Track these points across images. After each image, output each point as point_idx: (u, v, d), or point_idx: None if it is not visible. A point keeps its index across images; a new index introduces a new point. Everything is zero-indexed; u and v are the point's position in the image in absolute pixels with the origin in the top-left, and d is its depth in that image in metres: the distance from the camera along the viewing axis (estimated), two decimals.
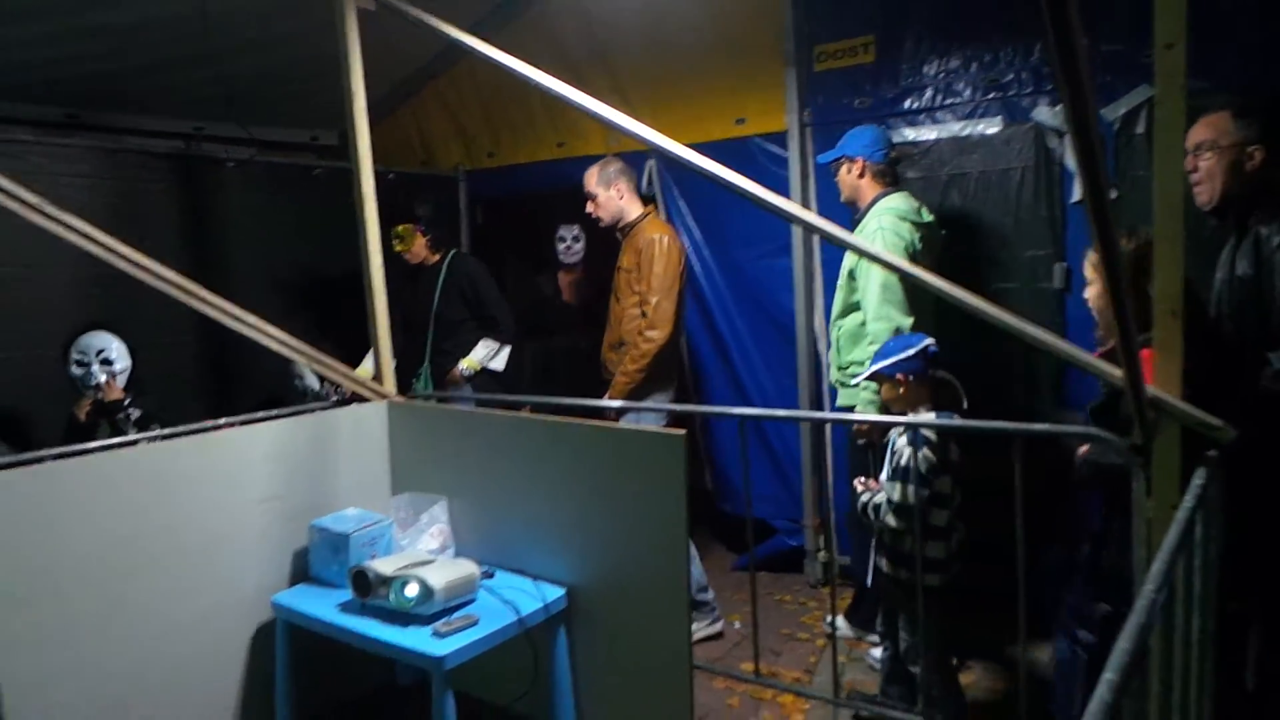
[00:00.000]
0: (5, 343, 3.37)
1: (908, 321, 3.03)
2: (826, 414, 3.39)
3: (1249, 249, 2.25)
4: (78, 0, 3.24)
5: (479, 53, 2.53)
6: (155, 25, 3.52)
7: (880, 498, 2.65)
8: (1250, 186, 2.27)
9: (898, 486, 2.59)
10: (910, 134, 3.61)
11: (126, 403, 3.15)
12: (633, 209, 3.74)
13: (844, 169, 3.30)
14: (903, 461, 2.59)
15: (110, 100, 4.10)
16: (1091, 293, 2.42)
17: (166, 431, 2.71)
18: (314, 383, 3.86)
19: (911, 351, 2.67)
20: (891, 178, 3.32)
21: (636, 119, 2.33)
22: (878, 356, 2.78)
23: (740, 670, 3.01)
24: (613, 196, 3.74)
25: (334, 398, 3.14)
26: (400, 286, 4.07)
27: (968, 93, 3.48)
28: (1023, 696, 2.29)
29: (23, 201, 2.34)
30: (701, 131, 3.98)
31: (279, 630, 2.71)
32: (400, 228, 4.04)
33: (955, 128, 3.52)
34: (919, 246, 3.12)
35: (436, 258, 4.16)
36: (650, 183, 4.28)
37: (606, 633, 2.67)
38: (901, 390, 2.69)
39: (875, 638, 3.29)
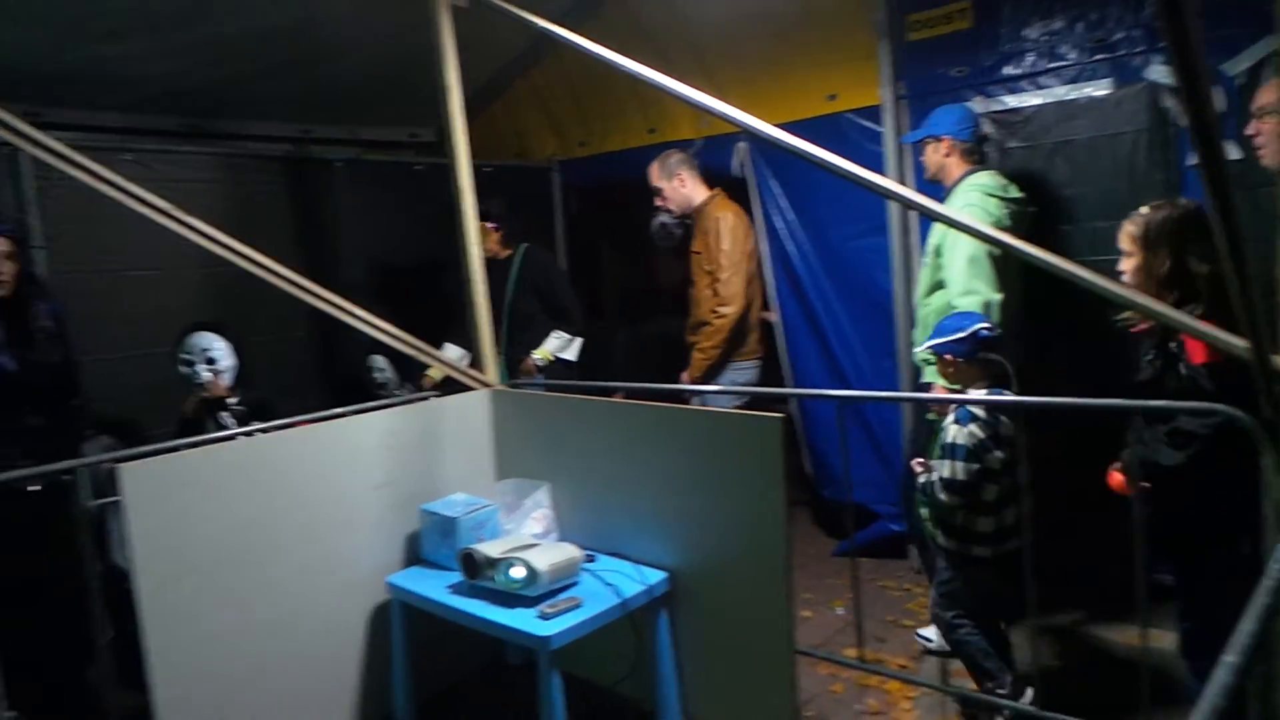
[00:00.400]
0: (140, 339, 3.61)
1: (997, 297, 2.94)
2: (926, 394, 3.28)
3: None
4: (191, 14, 3.43)
5: (568, 42, 2.57)
6: (263, 34, 3.70)
7: (934, 475, 2.67)
8: None
9: (946, 464, 2.61)
10: (1011, 101, 3.47)
11: (231, 400, 3.26)
12: (697, 194, 3.85)
13: (930, 148, 3.27)
14: (948, 439, 2.62)
15: (226, 108, 4.34)
16: (1128, 265, 2.33)
17: (289, 421, 2.86)
18: (389, 376, 3.97)
19: (962, 334, 2.66)
20: (979, 156, 3.26)
21: (725, 101, 2.33)
22: (935, 333, 2.76)
23: (844, 656, 2.98)
24: (676, 187, 3.93)
25: (406, 390, 3.24)
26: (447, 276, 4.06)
27: (1073, 55, 3.31)
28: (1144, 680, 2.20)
29: (153, 207, 2.51)
30: (792, 110, 3.92)
31: (394, 609, 2.84)
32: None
33: (1060, 92, 3.36)
34: (1007, 223, 3.02)
35: (508, 252, 4.19)
36: (741, 165, 4.25)
37: (708, 616, 2.69)
38: (950, 370, 2.71)
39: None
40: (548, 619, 2.44)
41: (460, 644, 2.88)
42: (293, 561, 2.67)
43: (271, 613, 2.62)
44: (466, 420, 3.19)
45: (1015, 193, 3.15)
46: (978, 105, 3.50)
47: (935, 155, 3.25)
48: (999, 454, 2.61)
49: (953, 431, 2.62)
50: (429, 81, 3.04)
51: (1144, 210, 2.35)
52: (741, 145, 4.21)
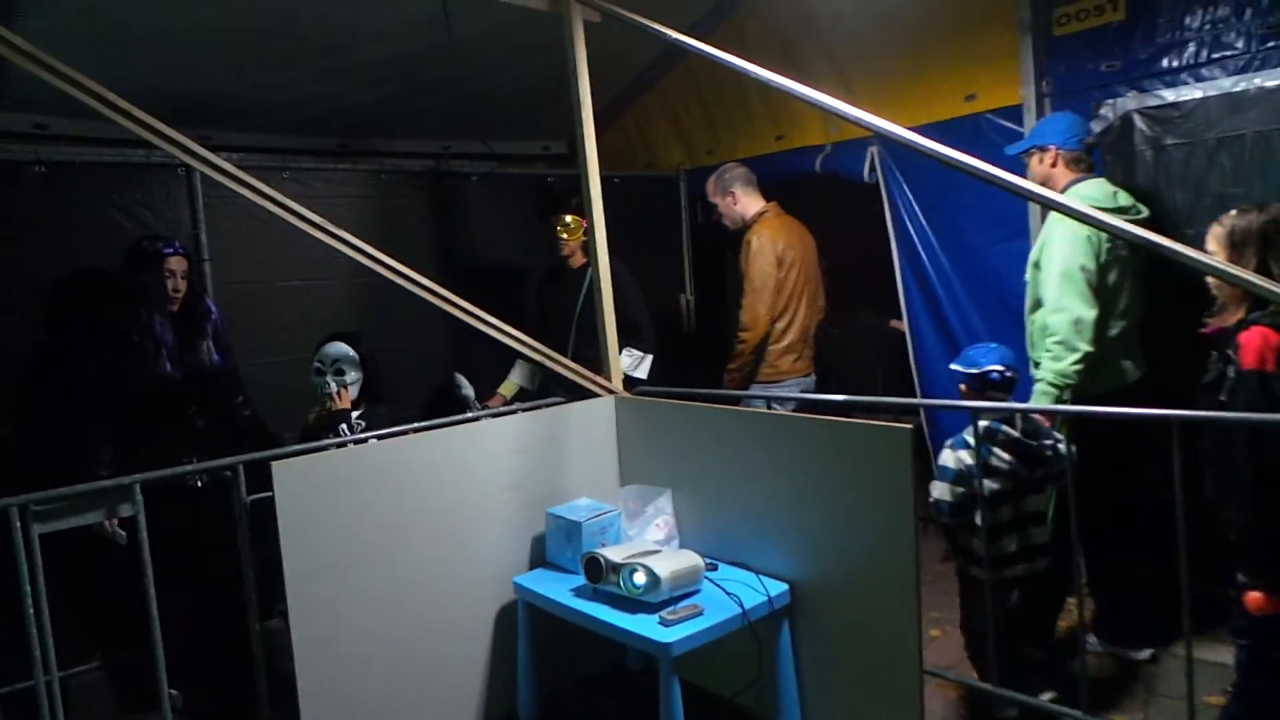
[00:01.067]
0: (290, 346, 3.86)
1: (1090, 314, 2.85)
2: (1064, 407, 3.05)
3: None
4: (346, 42, 3.66)
5: (699, 52, 2.58)
6: (409, 56, 3.91)
7: (930, 495, 2.83)
8: None
9: (935, 484, 2.82)
10: (1169, 95, 3.24)
11: (356, 414, 3.31)
12: (750, 209, 3.95)
13: (1035, 159, 3.13)
14: (940, 460, 2.85)
15: (374, 128, 4.60)
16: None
17: (423, 425, 2.98)
18: (470, 392, 3.88)
19: (975, 371, 2.87)
20: (1086, 165, 3.11)
21: (858, 104, 2.28)
22: (961, 357, 2.98)
23: (972, 679, 2.85)
24: (730, 204, 4.00)
25: (478, 408, 3.27)
26: (540, 286, 4.09)
27: (1240, 43, 3.07)
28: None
29: (309, 222, 2.68)
30: (928, 112, 3.81)
31: (520, 609, 2.92)
32: (571, 218, 3.97)
33: (1226, 84, 3.11)
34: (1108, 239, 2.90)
35: (583, 261, 3.96)
36: (872, 170, 4.15)
37: (832, 630, 2.63)
38: (962, 395, 2.93)
39: (1133, 652, 3.07)
40: (669, 625, 2.45)
41: (582, 646, 2.93)
42: (425, 559, 2.79)
43: (405, 608, 2.75)
44: (592, 426, 3.25)
45: (1125, 200, 3.01)
46: (1131, 101, 3.29)
47: (1041, 166, 3.12)
48: (989, 483, 2.71)
49: (945, 455, 2.83)
50: (562, 96, 3.12)
51: (1232, 214, 2.35)
52: (873, 149, 4.11)
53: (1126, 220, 2.82)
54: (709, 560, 2.81)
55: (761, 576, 2.73)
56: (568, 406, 3.22)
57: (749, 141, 4.87)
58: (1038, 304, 3.06)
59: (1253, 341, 2.12)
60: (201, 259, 3.56)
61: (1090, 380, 2.91)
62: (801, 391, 4.06)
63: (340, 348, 3.34)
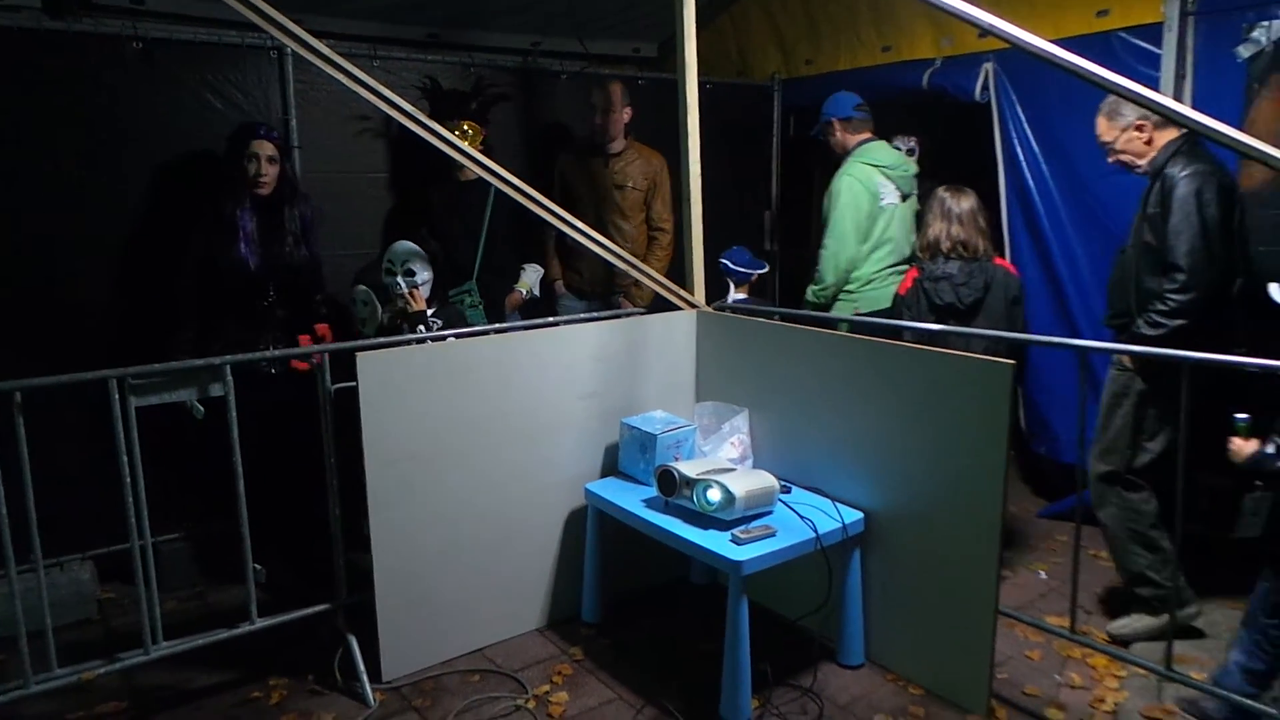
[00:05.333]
0: (378, 238, 3.87)
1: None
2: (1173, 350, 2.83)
3: None
4: None
5: None
6: None
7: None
8: None
9: None
10: None
11: (430, 312, 3.28)
12: None
13: (836, 129, 3.86)
14: None
15: (465, 18, 4.46)
16: None
17: (505, 326, 2.97)
18: (376, 307, 3.44)
19: None
20: (869, 127, 3.84)
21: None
22: None
23: (1047, 622, 2.78)
24: None
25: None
26: (429, 194, 3.80)
27: None
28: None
29: (401, 110, 2.63)
30: (1053, 27, 3.53)
31: (589, 515, 2.94)
32: (469, 125, 3.68)
33: None
34: (890, 187, 3.73)
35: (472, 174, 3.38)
36: (984, 89, 3.89)
37: (905, 562, 2.59)
38: None
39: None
40: (741, 544, 2.43)
41: (648, 556, 2.95)
42: (501, 459, 2.82)
43: (479, 504, 2.79)
44: (671, 339, 3.20)
45: (900, 158, 3.83)
46: None
47: (839, 136, 3.86)
48: None
49: None
50: None
51: None
52: (987, 66, 3.85)
53: (899, 174, 3.77)
54: (783, 483, 2.78)
55: (837, 503, 2.69)
56: (648, 318, 3.18)
57: (852, 52, 4.61)
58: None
59: None
60: (291, 145, 3.54)
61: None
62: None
63: (409, 246, 3.30)
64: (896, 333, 3.05)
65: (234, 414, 2.43)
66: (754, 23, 5.11)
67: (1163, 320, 2.64)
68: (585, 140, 4.11)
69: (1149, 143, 2.81)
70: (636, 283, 3.75)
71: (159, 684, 2.67)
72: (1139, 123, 2.80)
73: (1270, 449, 2.18)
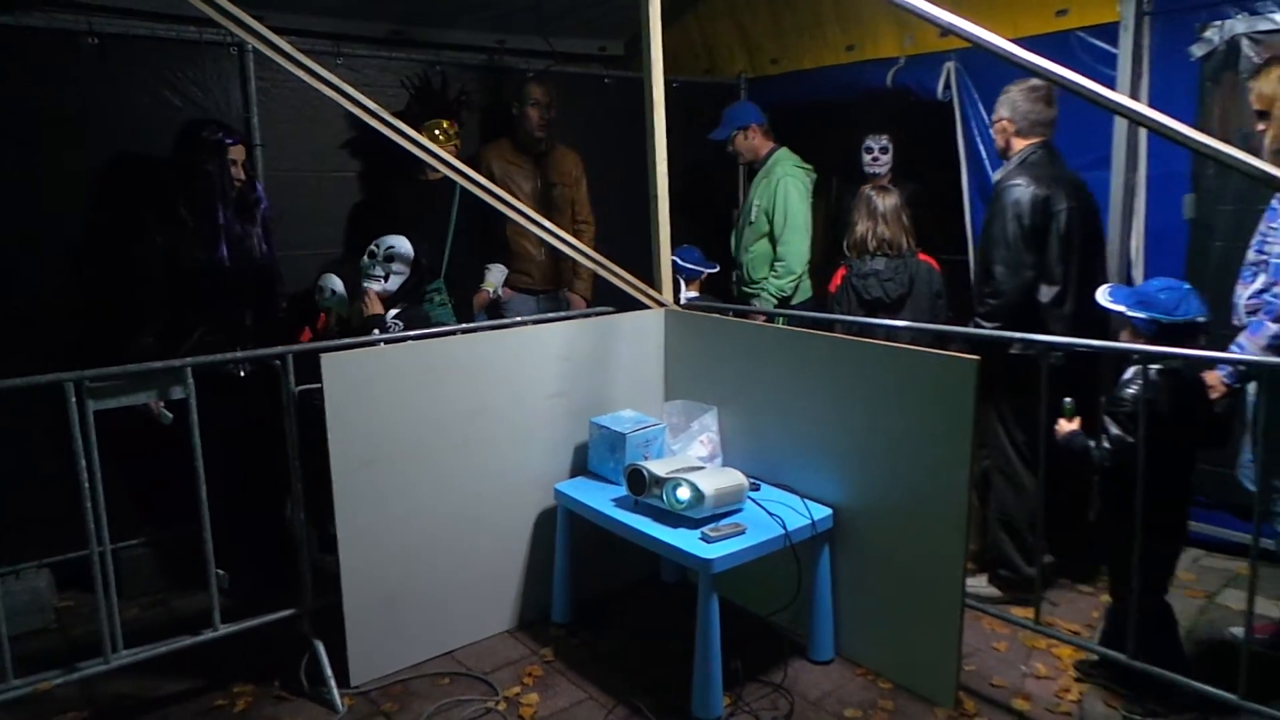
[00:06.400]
0: (337, 239, 3.82)
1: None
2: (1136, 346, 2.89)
3: None
4: None
5: None
6: None
7: None
8: None
9: None
10: None
11: (393, 313, 3.21)
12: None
13: (740, 136, 4.23)
14: None
15: (429, 16, 4.42)
16: None
17: (473, 326, 2.95)
18: (342, 294, 3.37)
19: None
20: (773, 135, 4.27)
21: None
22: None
23: (1012, 614, 2.82)
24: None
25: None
26: (395, 193, 3.78)
27: None
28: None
29: (365, 109, 2.60)
30: (1013, 26, 3.57)
31: (559, 515, 2.93)
32: (448, 123, 3.71)
33: None
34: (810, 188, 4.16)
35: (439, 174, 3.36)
36: (947, 87, 3.93)
37: (874, 559, 2.61)
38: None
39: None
40: (710, 542, 2.44)
41: (618, 555, 2.95)
42: (470, 459, 2.80)
43: (447, 505, 2.77)
44: (640, 338, 3.20)
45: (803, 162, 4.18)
46: (1240, 23, 3.05)
47: (747, 141, 4.22)
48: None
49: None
50: None
51: None
52: (950, 65, 3.89)
53: (811, 177, 4.18)
54: (752, 480, 2.79)
55: (805, 499, 2.70)
56: (617, 317, 3.17)
57: (817, 51, 4.64)
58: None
59: None
60: (253, 144, 3.49)
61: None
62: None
63: (400, 241, 3.25)
64: (829, 325, 3.16)
65: (195, 417, 2.38)
66: (720, 22, 5.12)
67: (982, 322, 2.90)
68: (514, 137, 4.08)
69: (1006, 144, 3.04)
70: (578, 275, 3.99)
71: (120, 693, 2.61)
72: (1004, 121, 3.01)
73: (1080, 430, 2.42)
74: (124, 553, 3.07)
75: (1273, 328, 2.47)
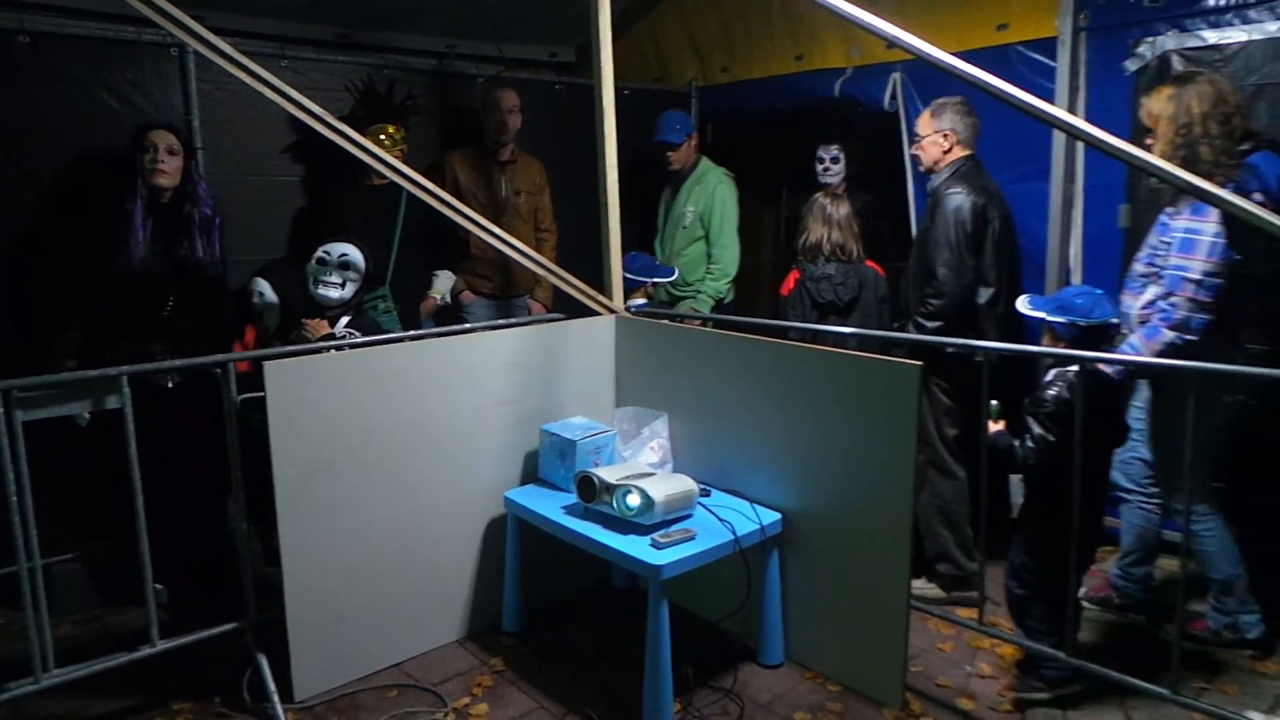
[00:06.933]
0: (286, 244, 3.75)
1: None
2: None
3: None
4: None
5: None
6: None
7: None
8: None
9: None
10: (1211, 37, 3.10)
11: (345, 321, 3.15)
12: None
13: (686, 145, 4.37)
14: None
15: (376, 19, 4.37)
16: None
17: (421, 333, 2.91)
18: (272, 300, 3.38)
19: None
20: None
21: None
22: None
23: (957, 615, 2.87)
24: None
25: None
26: (340, 197, 3.71)
27: None
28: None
29: (310, 113, 2.56)
30: (957, 40, 3.64)
31: (509, 524, 2.91)
32: (394, 127, 3.69)
33: (1271, 28, 2.98)
34: None
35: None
36: (893, 97, 4.00)
37: (821, 562, 2.64)
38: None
39: None
40: (660, 548, 2.44)
41: (569, 563, 2.94)
42: (417, 468, 2.76)
43: (394, 515, 2.73)
44: (590, 345, 3.19)
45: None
46: (1170, 40, 3.15)
47: (687, 149, 4.38)
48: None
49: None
50: None
51: None
52: (896, 75, 3.97)
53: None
54: (702, 486, 2.80)
55: (755, 505, 2.72)
56: (567, 324, 3.16)
57: (767, 60, 4.69)
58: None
59: None
60: (194, 146, 3.41)
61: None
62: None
63: (351, 249, 3.18)
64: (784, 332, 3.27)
65: (131, 426, 2.32)
66: (671, 30, 5.16)
67: (924, 322, 3.03)
68: (480, 144, 4.07)
69: (947, 152, 3.16)
70: (539, 282, 3.98)
71: (52, 714, 2.52)
72: (946, 132, 3.13)
73: (1005, 430, 2.52)
74: (57, 568, 2.96)
75: (1169, 335, 2.62)
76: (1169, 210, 2.72)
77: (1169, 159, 2.56)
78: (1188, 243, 2.60)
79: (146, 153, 2.98)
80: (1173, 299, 2.62)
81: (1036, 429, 2.43)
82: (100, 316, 2.97)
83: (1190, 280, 2.57)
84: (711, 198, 4.33)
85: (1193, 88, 2.63)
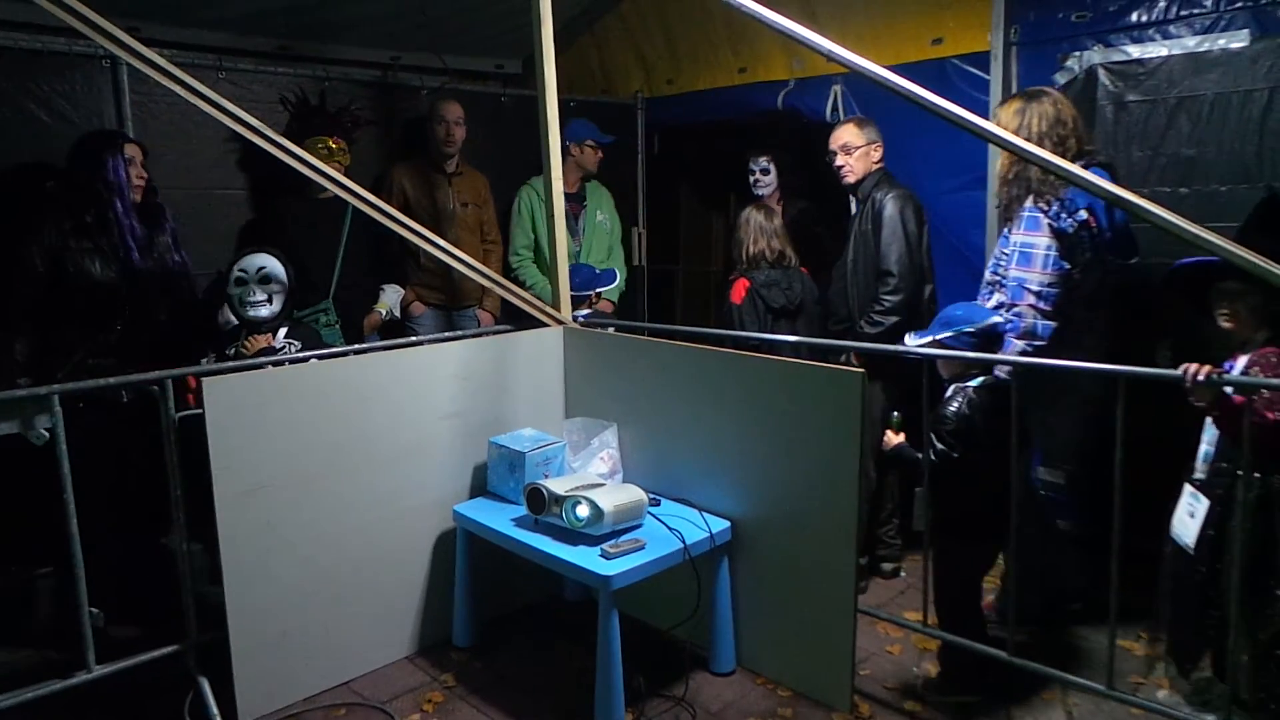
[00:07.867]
0: (226, 258, 3.67)
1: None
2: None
3: None
4: None
5: None
6: None
7: None
8: None
9: None
10: (1134, 51, 3.22)
11: (283, 333, 3.11)
12: None
13: (577, 150, 4.26)
14: None
15: (318, 30, 4.32)
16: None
17: (365, 346, 2.88)
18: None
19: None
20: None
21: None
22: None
23: (905, 618, 2.92)
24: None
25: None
26: (283, 211, 3.65)
27: (1209, 2, 3.06)
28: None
29: (249, 127, 2.52)
30: (894, 53, 3.74)
31: (459, 537, 2.89)
32: (334, 141, 3.63)
33: (1190, 43, 3.11)
34: None
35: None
36: (834, 109, 4.08)
37: (770, 568, 2.67)
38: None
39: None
40: (610, 559, 2.44)
41: (520, 576, 2.93)
42: (363, 484, 2.73)
43: (340, 532, 2.69)
44: (538, 356, 3.19)
45: None
46: (1097, 54, 3.27)
47: (583, 155, 4.28)
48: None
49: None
50: (520, 10, 2.97)
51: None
52: (837, 88, 4.04)
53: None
54: (652, 495, 2.81)
55: (704, 513, 2.74)
56: (515, 336, 3.15)
57: (711, 72, 4.74)
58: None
59: None
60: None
61: None
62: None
63: (268, 259, 3.09)
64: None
65: (64, 447, 2.25)
66: (615, 43, 5.19)
67: (880, 319, 3.15)
68: (426, 156, 4.05)
69: (878, 163, 3.30)
70: (487, 292, 3.97)
71: None
72: (877, 142, 3.29)
73: (906, 442, 2.60)
74: None
75: (1018, 344, 2.76)
76: (1009, 223, 2.88)
77: (1006, 170, 2.80)
78: (1025, 256, 2.77)
79: (130, 164, 2.94)
80: (1016, 309, 2.77)
81: (939, 445, 2.49)
82: (54, 333, 2.88)
83: (1030, 290, 2.74)
84: (609, 201, 4.51)
85: (1036, 106, 2.78)
